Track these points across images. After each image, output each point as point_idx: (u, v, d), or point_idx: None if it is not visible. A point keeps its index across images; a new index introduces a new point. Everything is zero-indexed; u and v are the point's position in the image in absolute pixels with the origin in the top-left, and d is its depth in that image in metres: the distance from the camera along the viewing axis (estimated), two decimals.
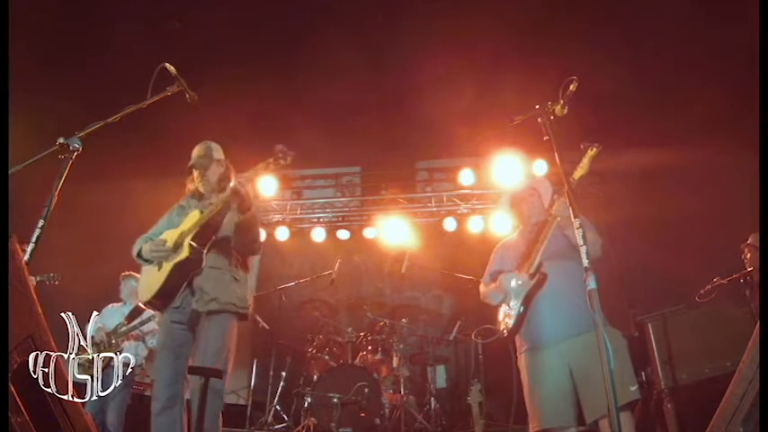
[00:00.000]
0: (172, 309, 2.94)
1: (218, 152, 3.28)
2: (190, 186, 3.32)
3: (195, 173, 3.21)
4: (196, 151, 3.26)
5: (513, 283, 2.89)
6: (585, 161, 2.75)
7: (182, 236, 2.99)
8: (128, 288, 5.04)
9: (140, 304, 4.92)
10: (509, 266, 3.04)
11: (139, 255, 3.08)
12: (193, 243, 2.95)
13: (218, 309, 2.93)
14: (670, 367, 3.79)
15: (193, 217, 3.04)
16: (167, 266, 2.95)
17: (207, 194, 3.24)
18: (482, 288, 3.20)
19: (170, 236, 3.05)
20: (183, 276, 2.93)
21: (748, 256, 4.31)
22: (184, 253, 2.92)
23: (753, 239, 4.41)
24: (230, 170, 3.31)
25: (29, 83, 4.58)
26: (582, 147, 2.75)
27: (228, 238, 3.10)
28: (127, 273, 5.07)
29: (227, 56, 5.43)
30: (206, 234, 3.00)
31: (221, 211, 3.05)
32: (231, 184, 2.91)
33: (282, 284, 6.31)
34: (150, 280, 3.00)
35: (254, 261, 3.36)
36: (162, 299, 2.95)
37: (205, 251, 2.98)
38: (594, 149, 2.72)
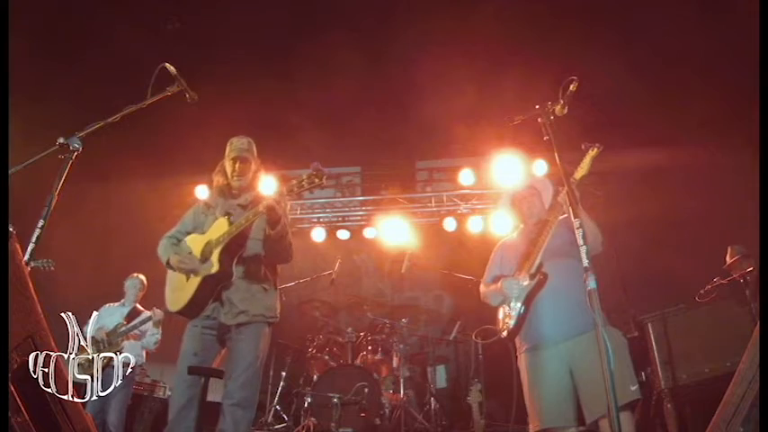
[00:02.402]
0: (203, 316, 2.91)
1: (255, 148, 3.19)
2: (219, 180, 3.18)
3: (236, 165, 3.08)
4: (238, 143, 3.13)
5: (514, 289, 2.90)
6: (586, 161, 2.75)
7: (208, 246, 2.94)
8: (131, 288, 5.05)
9: (138, 306, 4.94)
10: (509, 266, 3.04)
11: (167, 263, 3.01)
12: (223, 256, 2.88)
13: (247, 321, 2.89)
14: (670, 367, 3.79)
15: (221, 226, 2.96)
16: (196, 279, 2.90)
17: (237, 191, 3.14)
18: (482, 288, 3.20)
19: (196, 244, 2.99)
20: (212, 288, 2.90)
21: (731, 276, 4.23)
22: (215, 267, 2.87)
23: (731, 254, 4.37)
24: (261, 169, 3.21)
25: (29, 82, 4.58)
26: (583, 147, 2.75)
27: (258, 246, 3.03)
28: (134, 274, 5.09)
29: (227, 56, 5.43)
30: (235, 246, 2.93)
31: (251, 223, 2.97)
32: (266, 201, 2.79)
33: (282, 284, 6.29)
34: (179, 291, 2.96)
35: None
36: (192, 309, 2.92)
37: (233, 263, 2.92)
38: (596, 150, 2.72)
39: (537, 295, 2.82)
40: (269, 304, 3.01)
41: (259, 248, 3.02)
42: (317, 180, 2.77)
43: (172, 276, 3.04)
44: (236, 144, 3.14)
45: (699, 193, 5.93)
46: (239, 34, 5.35)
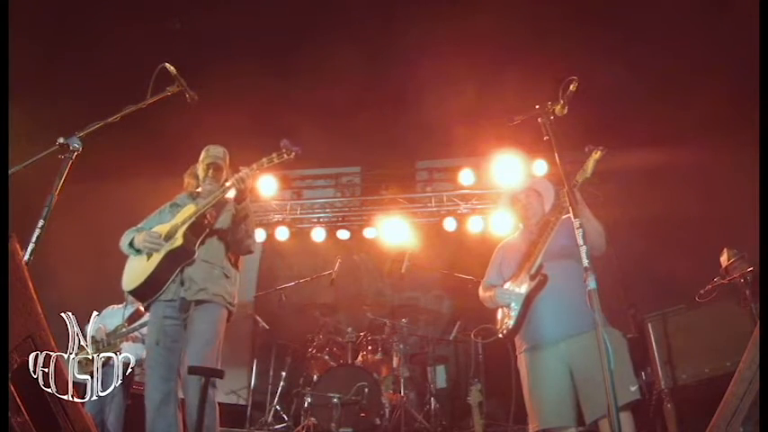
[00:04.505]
0: (164, 303, 2.94)
1: (228, 159, 3.35)
2: (189, 182, 3.34)
3: (209, 171, 3.23)
4: (215, 151, 3.28)
5: (505, 299, 2.92)
6: (590, 164, 2.75)
7: (174, 227, 3.01)
8: None
9: (141, 308, 4.94)
10: (510, 267, 3.04)
11: (131, 245, 3.08)
12: (188, 233, 2.96)
13: (207, 299, 2.95)
14: (670, 367, 3.78)
15: (188, 210, 3.06)
16: (158, 256, 2.95)
17: (204, 194, 3.25)
18: (480, 292, 3.20)
19: (162, 228, 3.06)
20: (173, 266, 2.93)
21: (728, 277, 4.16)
22: (178, 241, 2.93)
23: (728, 257, 4.33)
24: (230, 178, 3.33)
25: (29, 82, 4.58)
26: (587, 150, 2.75)
27: (223, 233, 3.12)
28: None
29: (227, 56, 5.43)
30: (200, 226, 3.03)
31: (217, 205, 3.07)
32: (234, 176, 2.92)
33: (282, 284, 6.31)
34: (138, 269, 2.99)
35: (244, 260, 3.39)
36: (149, 288, 2.94)
37: (198, 243, 2.99)
38: (599, 152, 2.72)
39: (537, 296, 2.82)
40: (229, 290, 3.09)
41: (222, 237, 3.12)
42: (285, 156, 2.91)
43: (132, 259, 3.10)
44: (213, 152, 3.29)
45: (699, 193, 5.93)
46: (239, 34, 5.34)
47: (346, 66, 5.32)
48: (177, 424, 2.80)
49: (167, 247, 2.95)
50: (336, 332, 5.95)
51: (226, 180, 3.30)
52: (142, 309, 4.95)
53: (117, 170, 6.54)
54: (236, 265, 3.20)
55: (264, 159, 2.94)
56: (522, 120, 2.59)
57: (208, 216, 3.06)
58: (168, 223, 3.09)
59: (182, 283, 2.94)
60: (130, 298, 5.01)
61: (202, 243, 3.02)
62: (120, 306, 5.01)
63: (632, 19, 5.13)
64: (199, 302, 2.94)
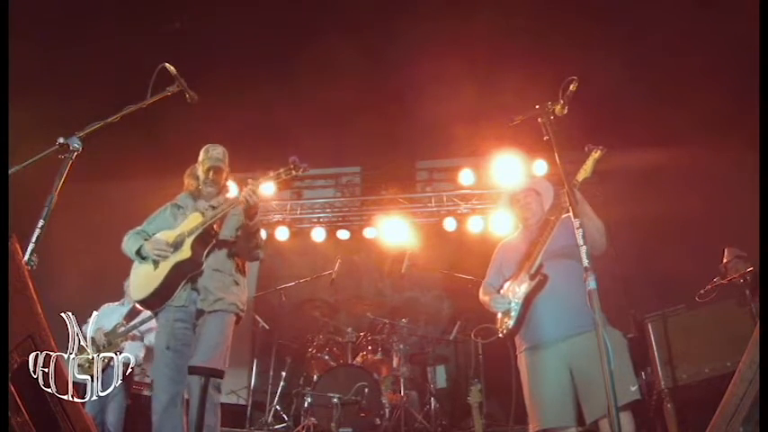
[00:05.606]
0: (175, 308, 2.96)
1: (228, 158, 3.35)
2: (189, 182, 3.34)
3: (210, 173, 3.23)
4: (214, 152, 3.27)
5: (500, 306, 2.93)
6: (589, 164, 2.75)
7: (181, 236, 3.02)
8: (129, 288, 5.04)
9: (138, 305, 4.94)
10: (510, 267, 3.04)
11: (138, 252, 3.08)
12: (195, 244, 2.98)
13: (223, 308, 2.99)
14: (670, 367, 3.78)
15: (195, 219, 3.07)
16: (166, 266, 2.96)
17: (206, 196, 3.27)
18: (480, 294, 3.20)
19: (168, 236, 3.06)
20: (181, 276, 2.96)
21: (727, 276, 4.20)
22: (186, 253, 2.95)
23: (727, 255, 4.38)
24: (230, 176, 3.38)
25: (29, 82, 4.58)
26: (586, 149, 2.76)
27: (230, 241, 3.15)
28: None
29: (227, 56, 5.43)
30: (207, 237, 3.05)
31: (224, 216, 3.09)
32: (243, 191, 2.94)
33: (282, 284, 6.31)
34: (146, 278, 3.01)
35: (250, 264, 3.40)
36: (158, 297, 2.96)
37: (205, 253, 3.01)
38: (599, 152, 2.73)
39: (537, 296, 2.82)
40: (242, 297, 3.14)
41: (230, 245, 3.15)
42: (293, 172, 2.96)
43: (138, 267, 3.10)
44: (212, 153, 3.27)
45: (699, 192, 5.93)
46: (239, 35, 5.35)
47: (346, 66, 5.33)
48: (183, 425, 2.83)
49: (175, 257, 2.96)
50: (336, 332, 5.95)
51: (226, 179, 3.33)
52: (139, 306, 4.94)
53: (117, 170, 6.54)
54: (243, 271, 3.23)
55: (272, 173, 2.99)
56: (522, 120, 2.59)
57: (214, 226, 3.08)
58: (174, 231, 3.08)
59: (197, 292, 2.97)
60: (127, 295, 5.02)
61: (210, 253, 3.05)
62: (117, 303, 5.00)
63: (632, 19, 5.13)
64: (214, 311, 2.98)
